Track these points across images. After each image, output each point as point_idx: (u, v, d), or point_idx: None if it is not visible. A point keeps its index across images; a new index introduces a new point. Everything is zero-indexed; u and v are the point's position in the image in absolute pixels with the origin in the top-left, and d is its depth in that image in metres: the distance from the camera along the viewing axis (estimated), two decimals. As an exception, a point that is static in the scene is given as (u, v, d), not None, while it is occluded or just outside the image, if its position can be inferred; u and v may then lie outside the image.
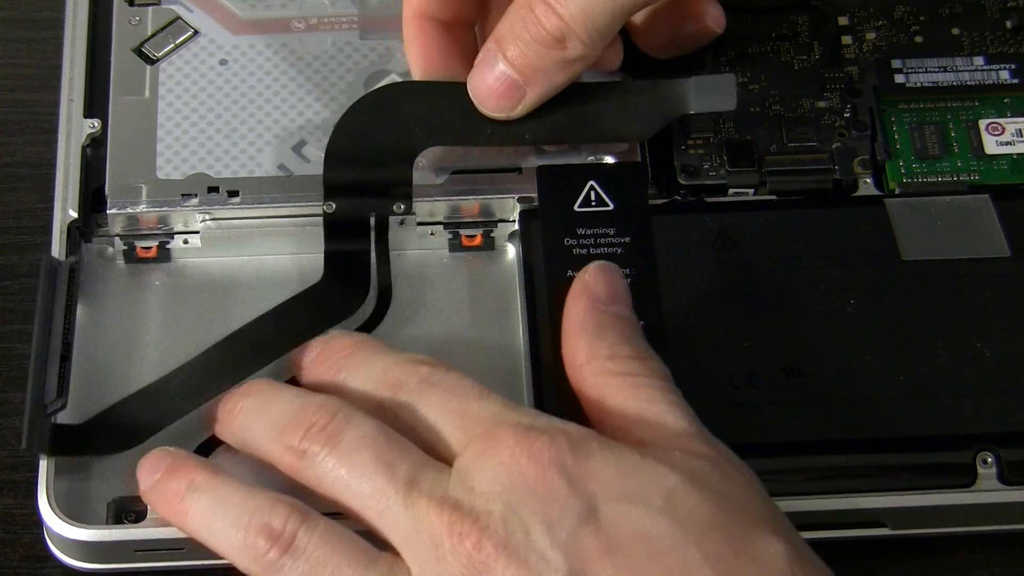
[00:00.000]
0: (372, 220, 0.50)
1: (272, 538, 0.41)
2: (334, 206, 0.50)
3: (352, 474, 0.42)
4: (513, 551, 0.39)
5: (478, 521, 0.39)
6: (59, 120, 0.52)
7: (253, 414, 0.45)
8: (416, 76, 0.51)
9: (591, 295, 0.45)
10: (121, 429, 0.47)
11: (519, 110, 0.49)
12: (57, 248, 0.50)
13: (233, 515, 0.42)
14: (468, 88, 0.49)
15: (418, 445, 0.43)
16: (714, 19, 0.52)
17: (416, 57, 0.51)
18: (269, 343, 0.48)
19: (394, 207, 0.50)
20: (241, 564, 0.42)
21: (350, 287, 0.49)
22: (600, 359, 0.44)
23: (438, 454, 0.42)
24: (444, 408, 0.43)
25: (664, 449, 0.41)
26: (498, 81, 0.48)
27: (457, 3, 0.50)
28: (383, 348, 0.46)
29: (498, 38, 0.48)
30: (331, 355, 0.46)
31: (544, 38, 0.47)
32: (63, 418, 0.47)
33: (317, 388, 0.46)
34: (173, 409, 0.47)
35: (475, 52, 0.50)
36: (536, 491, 0.39)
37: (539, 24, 0.47)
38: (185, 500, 0.43)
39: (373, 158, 0.50)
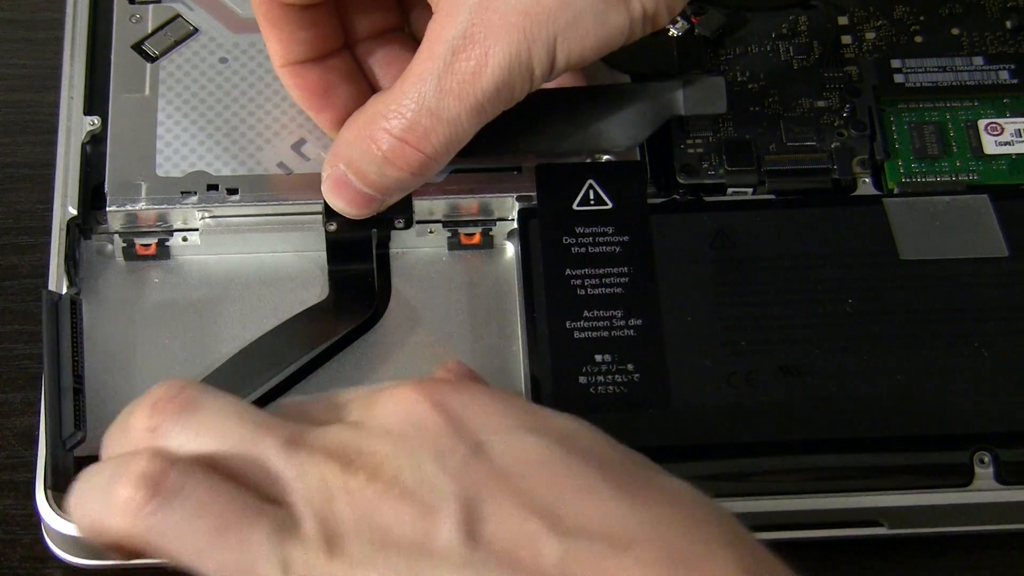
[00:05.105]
0: (374, 236, 0.51)
1: (137, 484, 0.37)
2: (336, 225, 0.50)
3: (221, 440, 0.38)
4: (403, 487, 0.37)
5: (367, 461, 0.37)
6: (59, 117, 0.52)
7: None
8: (313, 117, 0.50)
9: None
10: None
11: (381, 210, 0.49)
12: (56, 246, 0.50)
13: (96, 481, 0.38)
14: (323, 194, 0.49)
15: None
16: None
17: (305, 101, 0.50)
18: (279, 358, 0.48)
19: (395, 222, 0.51)
20: (116, 531, 0.38)
21: (357, 305, 0.50)
22: None
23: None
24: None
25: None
26: (355, 195, 0.48)
27: (319, 39, 0.49)
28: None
29: (347, 162, 0.47)
30: None
31: (402, 175, 0.47)
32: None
33: None
34: None
35: (357, 72, 0.50)
36: (425, 426, 0.38)
37: (395, 165, 0.47)
38: None
39: None
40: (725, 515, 0.38)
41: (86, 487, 0.39)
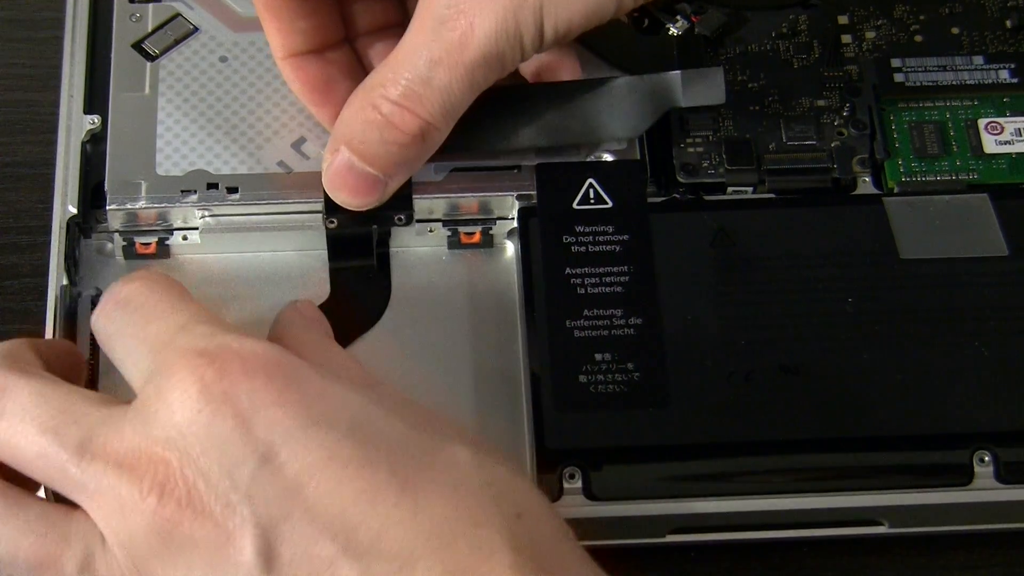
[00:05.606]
0: (374, 232, 0.51)
1: None
2: (336, 222, 0.50)
3: (22, 446, 0.40)
4: (198, 504, 0.38)
5: (157, 475, 0.38)
6: (59, 116, 0.52)
7: None
8: (313, 111, 0.51)
9: None
10: None
11: (383, 198, 0.49)
12: (56, 245, 0.50)
13: None
14: (324, 188, 0.49)
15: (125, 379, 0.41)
16: (569, 71, 0.51)
17: (305, 95, 0.50)
18: None
19: (395, 219, 0.51)
20: None
21: (358, 303, 0.50)
22: None
23: (133, 387, 0.41)
24: (132, 333, 0.41)
25: (342, 369, 0.41)
26: (359, 180, 0.48)
27: (319, 30, 0.50)
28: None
29: (348, 140, 0.47)
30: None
31: (404, 139, 0.47)
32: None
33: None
34: None
35: (357, 67, 0.50)
36: (211, 430, 0.38)
37: (397, 128, 0.47)
38: None
39: None
40: (513, 497, 0.39)
41: None
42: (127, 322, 0.41)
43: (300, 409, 0.39)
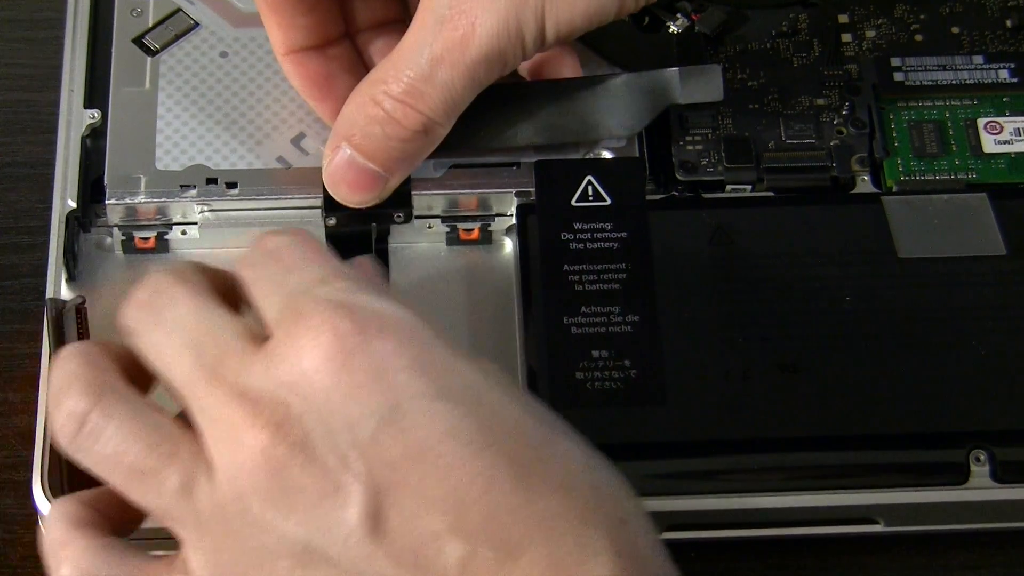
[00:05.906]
0: (373, 230, 0.51)
1: (67, 416, 0.39)
2: (335, 220, 0.50)
3: (167, 355, 0.40)
4: (310, 450, 0.37)
5: (275, 415, 0.37)
6: (59, 111, 0.52)
7: None
8: (314, 107, 0.51)
9: None
10: None
11: (384, 195, 0.49)
12: (55, 239, 0.50)
13: (51, 394, 0.40)
14: (325, 184, 0.49)
15: (255, 320, 0.40)
16: (569, 68, 0.51)
17: (305, 91, 0.51)
18: None
19: (394, 216, 0.51)
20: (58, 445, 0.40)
21: None
22: None
23: (264, 330, 0.40)
24: (272, 279, 0.40)
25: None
26: (359, 175, 0.48)
27: (320, 26, 0.50)
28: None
29: (350, 136, 0.48)
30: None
31: (406, 135, 0.47)
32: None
33: None
34: None
35: (358, 63, 0.51)
36: (339, 381, 0.37)
37: (399, 124, 0.47)
38: None
39: None
40: (620, 502, 0.38)
41: (55, 378, 0.40)
42: (269, 269, 0.41)
43: (430, 379, 0.38)
